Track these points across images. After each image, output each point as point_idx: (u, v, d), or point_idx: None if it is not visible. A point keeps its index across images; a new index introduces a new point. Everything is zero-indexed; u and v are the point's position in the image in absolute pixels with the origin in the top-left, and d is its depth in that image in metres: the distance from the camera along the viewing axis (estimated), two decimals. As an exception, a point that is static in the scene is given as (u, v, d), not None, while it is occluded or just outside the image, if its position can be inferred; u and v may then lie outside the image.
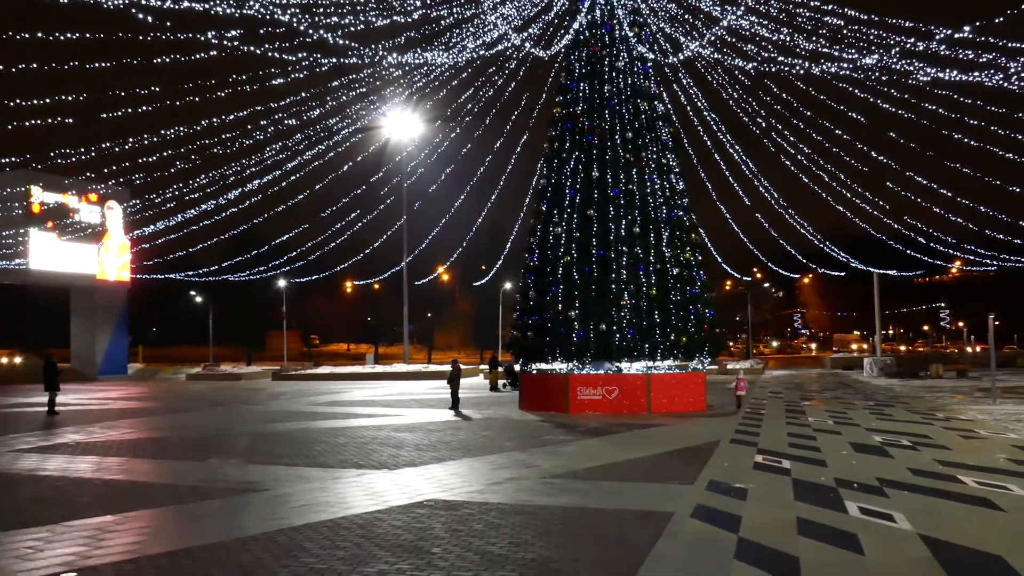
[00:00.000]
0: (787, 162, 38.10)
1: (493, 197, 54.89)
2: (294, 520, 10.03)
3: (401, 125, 59.49)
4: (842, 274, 63.17)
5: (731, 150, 37.45)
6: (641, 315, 25.90)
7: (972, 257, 54.95)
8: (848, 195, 46.56)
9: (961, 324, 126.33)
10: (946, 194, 40.04)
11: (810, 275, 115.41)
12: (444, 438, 19.37)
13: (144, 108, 38.72)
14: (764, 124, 37.15)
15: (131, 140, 41.89)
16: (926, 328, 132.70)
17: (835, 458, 15.09)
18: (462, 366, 32.52)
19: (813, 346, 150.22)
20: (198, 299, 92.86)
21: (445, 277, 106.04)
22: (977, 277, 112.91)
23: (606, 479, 13.10)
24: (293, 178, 48.67)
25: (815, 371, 70.03)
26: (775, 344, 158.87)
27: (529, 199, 43.23)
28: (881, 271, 59.38)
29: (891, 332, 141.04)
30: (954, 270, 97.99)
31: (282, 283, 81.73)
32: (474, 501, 11.25)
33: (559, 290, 26.53)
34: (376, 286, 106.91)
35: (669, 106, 29.59)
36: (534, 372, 27.84)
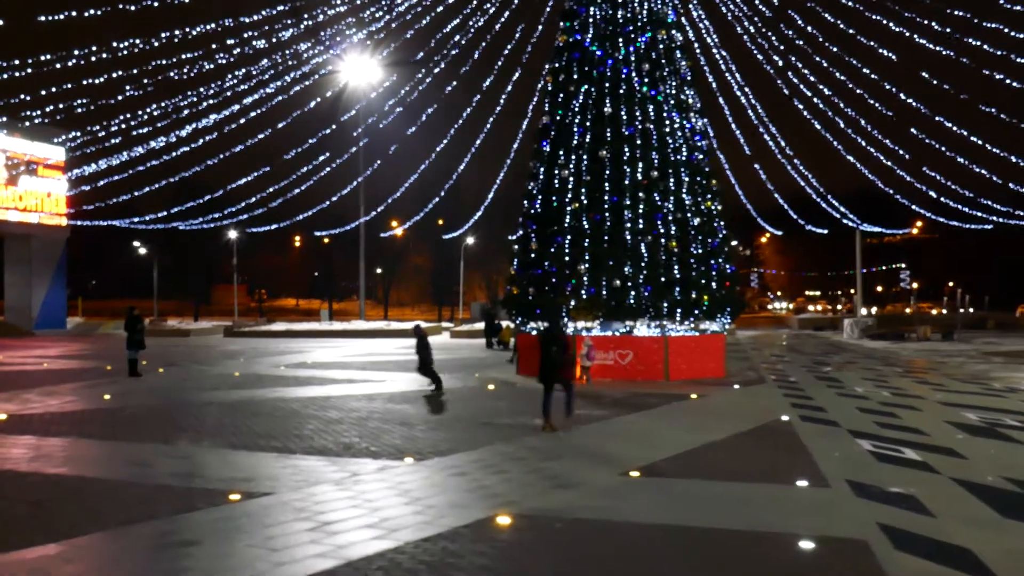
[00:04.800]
0: (802, 109, 35.28)
1: (466, 160, 51.56)
2: (328, 558, 6.94)
3: (359, 70, 55.61)
4: (825, 232, 60.97)
5: (739, 92, 34.49)
6: (659, 270, 23.00)
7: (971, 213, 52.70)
8: (864, 144, 43.46)
9: (915, 285, 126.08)
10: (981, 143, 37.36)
11: (767, 235, 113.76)
12: (455, 412, 16.36)
13: (83, 50, 34.76)
14: (779, 65, 34.25)
15: (70, 83, 37.79)
16: (879, 289, 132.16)
17: (958, 444, 12.33)
18: (423, 324, 29.43)
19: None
20: (141, 250, 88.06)
21: (399, 233, 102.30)
22: (938, 239, 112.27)
23: (700, 476, 10.20)
24: (240, 122, 45.06)
25: (785, 331, 68.14)
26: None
27: (519, 139, 40.05)
28: (876, 228, 57.21)
29: (839, 292, 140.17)
30: (914, 230, 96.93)
31: (233, 234, 77.27)
32: (555, 514, 8.25)
33: (565, 241, 23.47)
34: (326, 240, 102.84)
35: (690, 35, 26.43)
36: (534, 333, 24.87)
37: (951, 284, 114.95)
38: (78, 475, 10.45)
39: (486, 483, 9.77)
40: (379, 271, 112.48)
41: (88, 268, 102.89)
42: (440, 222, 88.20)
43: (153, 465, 10.95)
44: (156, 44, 33.78)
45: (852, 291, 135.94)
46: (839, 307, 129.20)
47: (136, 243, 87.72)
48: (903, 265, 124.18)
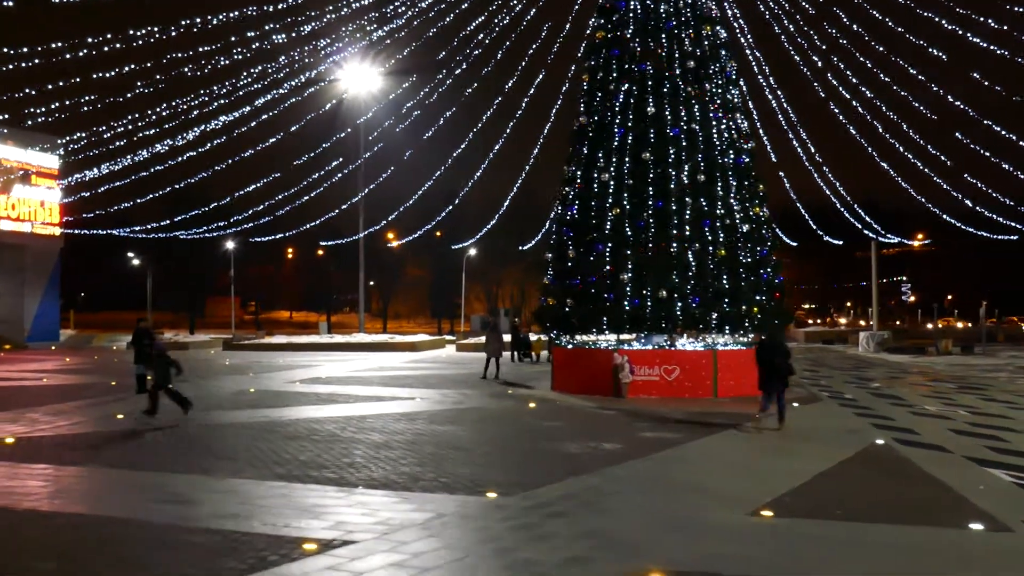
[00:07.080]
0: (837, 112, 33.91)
1: (479, 172, 50.28)
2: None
3: (361, 79, 54.16)
4: (840, 243, 59.70)
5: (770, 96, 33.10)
6: (707, 280, 21.55)
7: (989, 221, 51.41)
8: (902, 151, 41.81)
9: (912, 299, 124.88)
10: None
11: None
12: (509, 435, 14.88)
13: (78, 54, 33.32)
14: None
15: (62, 84, 36.40)
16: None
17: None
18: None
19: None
20: (135, 261, 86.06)
21: (394, 243, 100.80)
22: (938, 251, 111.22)
23: (844, 516, 8.71)
24: (240, 131, 43.61)
25: (793, 344, 66.75)
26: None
27: (519, 145, 38.55)
28: (895, 239, 55.93)
29: (837, 305, 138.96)
30: (915, 243, 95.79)
31: (230, 245, 75.49)
32: (714, 571, 6.76)
33: (606, 248, 22.00)
34: (319, 251, 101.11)
35: (725, 35, 24.89)
36: (569, 347, 23.41)
37: (949, 298, 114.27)
38: (109, 515, 8.86)
39: (597, 526, 8.23)
40: (372, 283, 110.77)
41: (79, 279, 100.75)
42: (439, 234, 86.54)
43: (195, 502, 9.37)
44: (149, 42, 32.25)
45: (848, 303, 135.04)
46: (843, 321, 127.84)
47: (130, 254, 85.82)
48: (904, 278, 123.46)
